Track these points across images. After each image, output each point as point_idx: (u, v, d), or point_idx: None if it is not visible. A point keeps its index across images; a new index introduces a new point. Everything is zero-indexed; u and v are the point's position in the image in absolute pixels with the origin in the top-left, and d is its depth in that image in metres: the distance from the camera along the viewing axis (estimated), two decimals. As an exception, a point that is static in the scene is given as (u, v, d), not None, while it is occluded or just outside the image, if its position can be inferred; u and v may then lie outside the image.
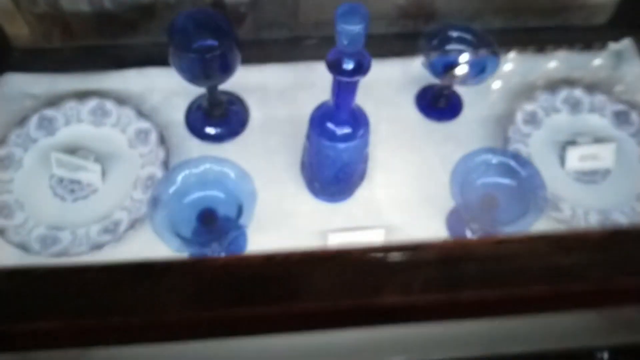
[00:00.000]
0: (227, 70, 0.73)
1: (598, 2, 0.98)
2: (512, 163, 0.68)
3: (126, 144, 0.79)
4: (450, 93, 0.84)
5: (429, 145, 0.82)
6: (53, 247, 0.71)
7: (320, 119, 0.67)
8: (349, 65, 0.58)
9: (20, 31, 0.92)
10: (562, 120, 0.83)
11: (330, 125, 0.66)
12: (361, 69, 0.58)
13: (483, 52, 0.78)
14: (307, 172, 0.76)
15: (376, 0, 0.98)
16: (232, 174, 0.67)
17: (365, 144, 0.70)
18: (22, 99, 0.83)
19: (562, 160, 0.80)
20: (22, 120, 0.79)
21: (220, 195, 0.68)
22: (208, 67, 0.71)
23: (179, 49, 0.69)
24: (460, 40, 0.79)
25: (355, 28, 0.53)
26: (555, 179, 0.79)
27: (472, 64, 0.78)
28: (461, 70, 0.77)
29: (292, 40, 0.95)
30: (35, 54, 0.88)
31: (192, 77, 0.72)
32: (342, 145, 0.67)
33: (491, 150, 0.69)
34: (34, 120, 0.79)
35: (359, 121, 0.67)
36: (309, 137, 0.70)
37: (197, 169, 0.67)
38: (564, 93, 0.84)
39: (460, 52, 0.78)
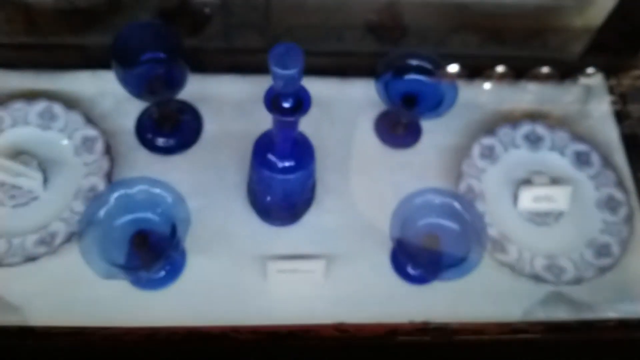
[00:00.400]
0: (173, 86, 0.70)
1: (576, 27, 0.96)
2: (456, 205, 0.67)
3: (72, 151, 0.77)
4: (410, 120, 0.82)
5: (383, 173, 0.81)
6: (-13, 255, 0.69)
7: (262, 148, 0.65)
8: (286, 104, 0.56)
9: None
10: (520, 156, 0.81)
11: (271, 156, 0.64)
12: (300, 107, 0.56)
13: (442, 84, 0.76)
14: (252, 197, 0.74)
15: (348, 16, 0.96)
16: (167, 197, 0.65)
17: (309, 175, 0.68)
18: (-32, 94, 0.81)
19: (515, 198, 0.78)
20: (-33, 119, 0.77)
21: (155, 218, 0.66)
22: (153, 84, 0.69)
23: (123, 64, 0.66)
24: (420, 69, 0.76)
25: (290, 72, 0.51)
26: (506, 217, 0.78)
27: (430, 95, 0.76)
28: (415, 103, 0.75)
29: (254, 50, 0.92)
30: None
31: (138, 93, 0.70)
32: (283, 177, 0.65)
33: (435, 191, 0.67)
34: (-22, 119, 0.77)
35: (302, 154, 0.66)
36: (252, 164, 0.68)
37: (132, 190, 0.65)
38: (525, 128, 0.82)
39: (419, 82, 0.76)
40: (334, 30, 0.99)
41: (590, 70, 0.88)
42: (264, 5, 0.96)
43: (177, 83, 0.70)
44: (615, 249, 0.74)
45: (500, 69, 0.88)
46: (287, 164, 0.64)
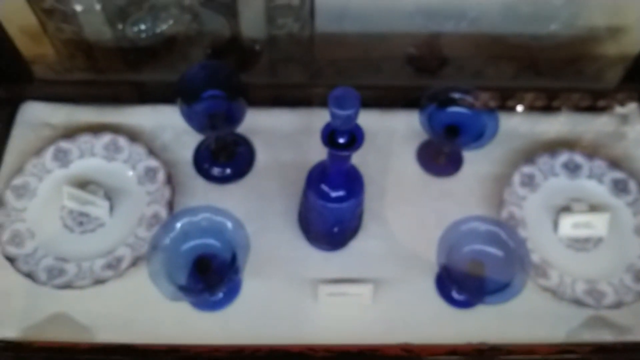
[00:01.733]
0: (232, 122, 0.76)
1: (610, 56, 0.99)
2: (500, 232, 0.70)
3: (135, 180, 0.83)
4: (452, 150, 0.86)
5: (426, 200, 0.84)
6: (59, 278, 0.75)
7: (315, 178, 0.70)
8: (341, 140, 0.60)
9: (44, 56, 0.97)
10: (559, 184, 0.84)
11: (324, 186, 0.69)
12: (354, 143, 0.61)
13: (483, 115, 0.79)
14: (303, 223, 0.79)
15: (388, 49, 1.01)
16: (229, 224, 0.70)
17: (358, 204, 0.72)
18: (40, 127, 0.87)
19: (555, 225, 0.81)
20: (39, 151, 0.84)
21: (217, 243, 0.71)
22: (214, 120, 0.74)
23: (187, 102, 0.72)
24: (461, 102, 0.80)
25: (347, 112, 0.56)
26: (546, 244, 0.81)
27: (471, 126, 0.79)
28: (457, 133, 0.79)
29: (303, 85, 0.98)
30: (55, 84, 0.92)
31: (200, 128, 0.75)
32: (335, 206, 0.69)
33: (480, 218, 0.71)
34: (50, 151, 0.83)
35: (353, 184, 0.70)
36: (305, 193, 0.72)
37: (196, 217, 0.70)
38: (563, 157, 0.85)
39: (460, 114, 0.80)
40: (374, 63, 1.04)
41: (625, 98, 0.91)
42: (308, 40, 1.01)
43: (236, 118, 0.75)
44: (655, 274, 0.77)
45: (537, 98, 0.91)
46: (339, 193, 0.69)
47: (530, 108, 0.91)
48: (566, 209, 0.82)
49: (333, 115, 0.57)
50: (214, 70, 0.75)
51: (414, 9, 0.97)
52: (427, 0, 0.94)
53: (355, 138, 0.61)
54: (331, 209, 0.70)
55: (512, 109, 0.91)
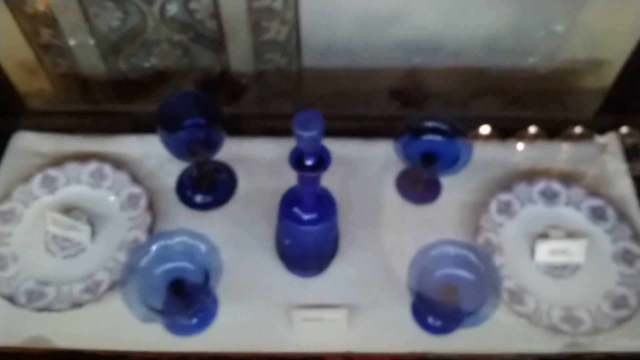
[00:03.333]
0: (211, 148, 0.78)
1: (591, 87, 1.01)
2: (470, 255, 0.71)
3: (118, 206, 0.85)
4: (430, 178, 0.87)
5: (404, 227, 0.85)
6: (38, 301, 0.76)
7: (288, 203, 0.71)
8: (309, 162, 0.62)
9: (39, 89, 1.01)
10: (537, 211, 0.85)
11: (296, 210, 0.70)
12: (322, 165, 0.62)
13: (457, 143, 0.81)
14: (279, 248, 0.80)
15: (373, 83, 1.03)
16: (202, 247, 0.71)
17: (331, 227, 0.74)
18: (30, 156, 0.90)
19: (532, 252, 0.82)
20: (27, 178, 0.86)
21: (190, 266, 0.72)
22: (193, 147, 0.77)
23: (167, 129, 0.74)
24: (435, 130, 0.82)
25: (311, 133, 0.58)
26: (523, 270, 0.81)
27: (445, 153, 0.81)
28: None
29: (286, 116, 1.00)
30: (46, 115, 0.96)
31: (179, 154, 0.77)
32: (308, 229, 0.71)
33: (450, 242, 0.71)
34: (37, 178, 0.86)
35: (325, 207, 0.71)
36: (279, 217, 0.74)
37: (172, 241, 0.72)
38: (541, 184, 0.86)
39: (435, 142, 0.82)
40: (361, 97, 1.07)
41: (603, 127, 0.92)
42: (296, 75, 1.04)
43: (215, 145, 0.78)
44: (632, 300, 0.76)
45: (517, 128, 0.92)
46: (311, 216, 0.70)
47: (508, 137, 0.93)
48: (543, 235, 0.83)
49: (299, 138, 0.59)
50: (194, 99, 0.78)
51: (397, 44, 0.99)
52: (410, 35, 0.97)
53: (323, 160, 0.62)
54: (304, 232, 0.71)
55: (490, 139, 0.92)
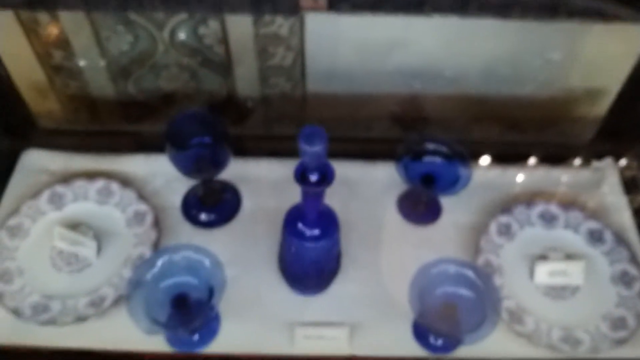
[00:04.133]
0: (217, 166, 0.80)
1: (588, 115, 1.03)
2: (469, 273, 0.72)
3: (124, 223, 0.86)
4: (430, 199, 0.89)
5: (405, 247, 0.86)
6: (43, 314, 0.77)
7: (292, 219, 0.73)
8: (313, 177, 0.64)
9: (50, 109, 1.04)
10: (535, 233, 0.86)
11: (300, 226, 0.72)
12: (325, 180, 0.64)
13: (457, 164, 0.83)
14: (282, 265, 0.81)
15: (372, 106, 1.06)
16: (206, 262, 0.72)
17: (333, 243, 0.75)
18: (39, 173, 0.92)
19: (532, 273, 0.83)
20: (35, 194, 0.88)
21: (194, 281, 0.73)
22: (200, 164, 0.78)
23: (175, 147, 0.76)
24: (436, 152, 0.84)
25: (316, 148, 0.60)
26: (523, 291, 0.82)
27: (445, 175, 0.83)
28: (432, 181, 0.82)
29: (290, 138, 1.02)
30: (56, 134, 0.98)
31: (186, 171, 0.79)
32: (310, 245, 0.72)
33: (449, 261, 0.72)
34: (45, 194, 0.88)
35: (328, 223, 0.73)
36: (283, 234, 0.75)
37: (176, 255, 0.73)
38: (539, 207, 0.88)
39: (435, 164, 0.84)
40: (362, 121, 1.09)
41: (600, 152, 0.94)
42: (300, 99, 1.07)
43: (221, 163, 0.80)
44: (631, 321, 0.77)
45: (515, 154, 0.94)
46: (314, 232, 0.71)
47: (507, 162, 0.95)
48: (543, 257, 0.84)
49: (303, 152, 0.61)
50: (201, 118, 0.80)
51: (397, 70, 1.02)
52: (410, 62, 1.00)
53: (326, 175, 0.64)
54: (307, 248, 0.72)
55: (490, 164, 0.94)
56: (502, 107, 1.06)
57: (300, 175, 0.64)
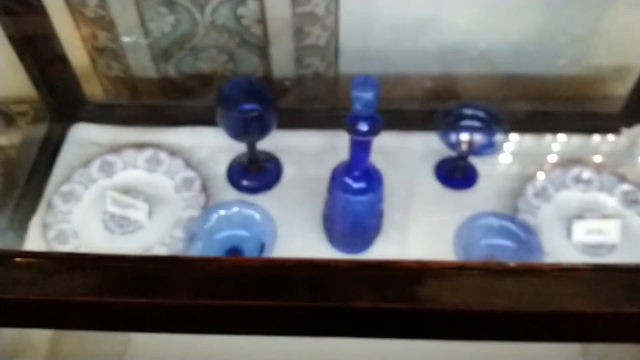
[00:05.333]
0: (264, 129, 0.83)
1: (614, 93, 1.06)
2: (513, 226, 0.74)
3: (173, 189, 0.90)
4: (466, 165, 0.91)
5: (443, 211, 0.89)
6: (98, 272, 0.80)
7: (339, 174, 0.76)
8: (362, 127, 0.67)
9: (94, 89, 1.08)
10: (571, 196, 0.89)
11: (347, 179, 0.75)
12: (373, 130, 0.67)
13: (494, 128, 0.86)
14: (327, 223, 0.84)
15: (403, 87, 1.09)
16: (257, 216, 0.75)
17: (378, 199, 0.78)
18: (88, 145, 0.96)
19: (569, 232, 0.85)
20: (87, 162, 0.92)
21: (246, 234, 0.76)
22: (248, 126, 0.82)
23: (225, 109, 0.80)
24: (473, 117, 0.87)
25: (367, 95, 0.63)
26: (561, 250, 0.84)
27: (483, 137, 0.86)
28: (470, 141, 0.85)
29: (327, 110, 1.06)
30: (104, 108, 1.02)
31: (235, 134, 0.83)
32: (356, 198, 0.75)
33: (494, 214, 0.75)
34: (96, 163, 0.92)
35: (373, 178, 0.76)
36: (329, 190, 0.78)
37: (229, 211, 0.76)
38: (574, 171, 0.90)
39: (473, 128, 0.87)
40: (394, 102, 1.12)
41: (630, 120, 0.96)
42: (333, 79, 1.10)
43: (267, 127, 0.83)
44: (669, 275, 0.79)
45: (546, 120, 0.97)
46: (360, 185, 0.74)
47: (541, 132, 0.97)
48: (579, 217, 0.86)
49: (355, 100, 0.64)
50: (249, 84, 0.84)
51: (429, 50, 1.05)
52: (442, 40, 1.03)
53: (374, 126, 0.67)
54: (353, 202, 0.75)
55: (523, 132, 0.97)
56: (530, 85, 1.08)
57: (351, 125, 0.67)
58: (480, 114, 0.87)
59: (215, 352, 0.73)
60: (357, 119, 0.67)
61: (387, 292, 0.45)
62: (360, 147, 0.70)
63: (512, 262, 0.50)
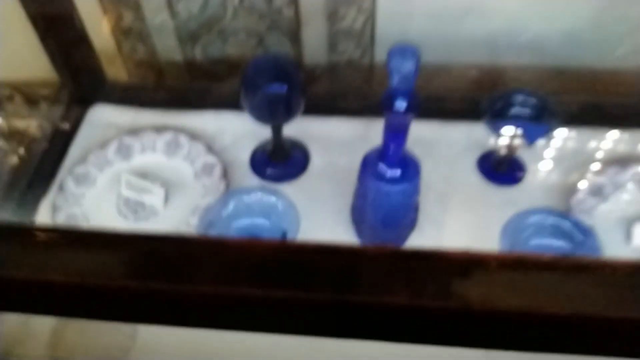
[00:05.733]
0: (291, 111, 0.76)
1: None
2: (567, 225, 0.65)
3: (192, 175, 0.84)
4: (513, 159, 0.83)
5: (486, 208, 0.81)
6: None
7: (371, 161, 0.68)
8: (400, 104, 0.60)
9: (118, 73, 1.03)
10: (631, 196, 0.79)
11: (381, 166, 0.67)
12: (412, 107, 0.60)
13: (546, 118, 0.77)
14: (356, 216, 0.76)
15: (444, 79, 1.01)
16: (279, 204, 0.68)
17: (414, 190, 0.70)
18: (107, 127, 0.91)
19: (629, 235, 0.76)
20: (103, 144, 0.86)
21: (266, 223, 0.69)
22: (273, 107, 0.75)
23: (249, 88, 0.74)
24: (524, 105, 0.79)
25: (407, 66, 0.56)
26: (619, 255, 0.74)
27: (534, 127, 0.77)
28: (520, 131, 0.77)
29: (361, 97, 0.99)
30: (125, 90, 0.97)
31: (259, 115, 0.76)
32: (390, 187, 0.67)
33: (546, 211, 0.66)
34: (113, 144, 0.86)
35: (409, 166, 0.68)
36: (359, 178, 0.71)
37: (249, 197, 0.70)
38: (632, 169, 0.81)
39: (524, 117, 0.78)
40: (433, 95, 1.04)
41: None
42: (368, 68, 1.03)
43: (292, 109, 0.76)
44: None
45: (598, 117, 0.88)
46: (394, 173, 0.66)
47: (595, 125, 0.88)
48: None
49: (392, 71, 0.57)
50: (276, 62, 0.77)
51: (472, 39, 0.98)
52: (486, 29, 0.95)
53: (413, 104, 0.60)
54: (386, 192, 0.68)
55: (576, 124, 0.88)
56: (583, 78, 0.99)
57: (388, 101, 0.60)
58: (532, 101, 0.79)
59: (223, 350, 0.66)
60: (394, 95, 0.59)
61: (426, 287, 0.37)
62: (397, 129, 0.63)
63: (587, 257, 0.41)
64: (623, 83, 0.99)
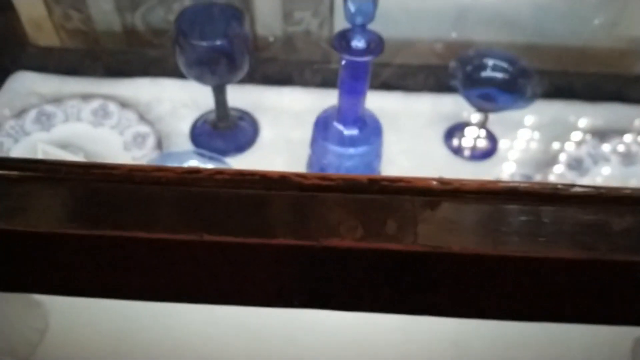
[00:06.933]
0: (235, 68, 0.67)
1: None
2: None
3: (121, 146, 0.73)
4: (484, 131, 0.75)
5: (455, 183, 0.72)
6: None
7: (325, 120, 0.59)
8: (358, 43, 0.51)
9: (49, 41, 0.92)
10: (612, 171, 0.72)
11: (336, 125, 0.58)
12: (371, 48, 0.51)
13: (521, 83, 0.69)
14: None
15: (412, 53, 0.93)
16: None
17: (375, 154, 0.61)
18: (28, 96, 0.80)
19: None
20: (20, 113, 0.75)
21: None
22: (214, 62, 0.65)
23: (184, 40, 0.64)
24: (496, 68, 0.71)
25: (365, 4, 0.47)
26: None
27: (507, 94, 0.69)
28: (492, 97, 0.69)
29: (317, 64, 0.90)
30: (50, 55, 0.86)
31: (197, 73, 0.66)
32: (348, 151, 0.58)
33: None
34: (31, 114, 0.75)
35: (367, 127, 0.59)
36: (312, 143, 0.61)
37: (183, 163, 0.59)
38: (614, 142, 0.74)
39: (496, 80, 0.70)
40: (397, 70, 0.96)
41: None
42: (327, 39, 0.95)
43: (237, 65, 0.67)
44: None
45: (578, 88, 0.81)
46: (352, 132, 0.57)
47: (574, 97, 0.81)
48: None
49: (349, 12, 0.48)
50: (215, 11, 0.68)
51: (439, 10, 0.90)
52: (455, 0, 0.88)
53: (372, 44, 0.51)
54: (344, 155, 0.58)
55: (554, 96, 0.81)
56: (555, 54, 0.93)
57: (341, 42, 0.51)
58: (504, 65, 0.71)
59: (141, 348, 0.55)
60: (350, 34, 0.50)
61: (385, 226, 0.28)
62: (355, 75, 0.53)
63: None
64: (595, 57, 0.93)
